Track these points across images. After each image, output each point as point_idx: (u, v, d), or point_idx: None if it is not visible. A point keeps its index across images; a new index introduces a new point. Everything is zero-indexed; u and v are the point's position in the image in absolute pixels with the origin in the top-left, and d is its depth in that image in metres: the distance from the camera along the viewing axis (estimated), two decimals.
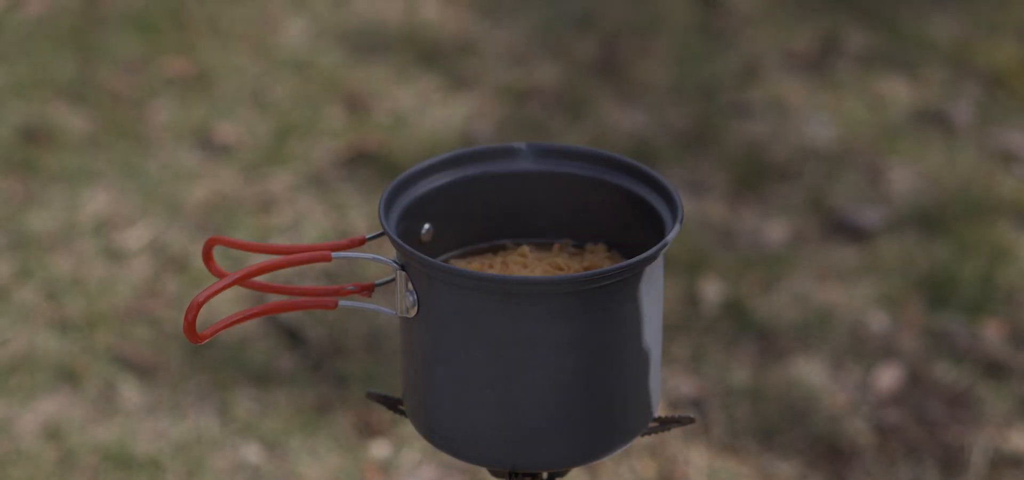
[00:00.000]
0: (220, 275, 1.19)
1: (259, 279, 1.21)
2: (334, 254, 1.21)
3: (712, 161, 3.01)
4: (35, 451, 2.27)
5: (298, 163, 3.01)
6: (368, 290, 1.22)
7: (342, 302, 1.22)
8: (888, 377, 2.42)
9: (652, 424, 1.27)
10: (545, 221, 1.35)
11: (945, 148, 3.05)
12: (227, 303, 2.48)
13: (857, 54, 3.40)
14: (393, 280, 1.19)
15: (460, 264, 1.31)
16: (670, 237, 1.20)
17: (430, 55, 3.42)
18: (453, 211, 1.33)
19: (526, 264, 1.30)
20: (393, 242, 1.18)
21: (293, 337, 2.50)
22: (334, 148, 3.06)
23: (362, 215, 2.84)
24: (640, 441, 2.23)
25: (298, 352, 2.48)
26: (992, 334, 2.51)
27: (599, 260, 1.32)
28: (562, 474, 1.26)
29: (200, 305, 1.13)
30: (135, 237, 2.76)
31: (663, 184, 1.28)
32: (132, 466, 2.25)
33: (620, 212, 1.31)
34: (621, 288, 1.17)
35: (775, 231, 2.79)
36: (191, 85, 3.30)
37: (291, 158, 3.02)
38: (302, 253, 1.22)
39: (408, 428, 2.30)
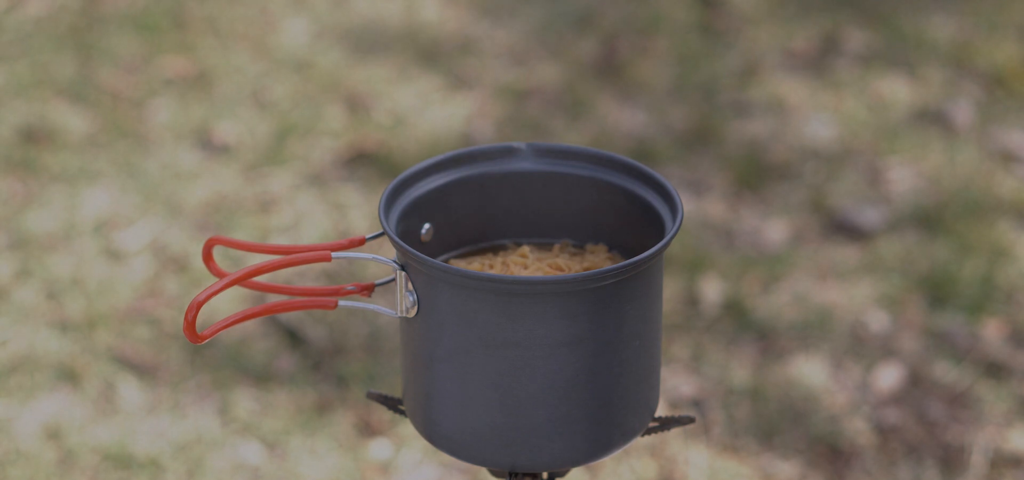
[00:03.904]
0: (220, 275, 1.19)
1: (259, 279, 1.21)
2: (334, 254, 1.21)
3: (712, 161, 3.01)
4: (35, 451, 2.27)
5: (298, 163, 3.01)
6: (368, 290, 1.22)
7: (342, 302, 1.21)
8: (888, 377, 2.42)
9: (652, 424, 1.27)
10: (545, 221, 1.35)
11: (945, 148, 3.05)
12: (227, 303, 2.48)
13: (857, 54, 3.40)
14: (393, 280, 1.19)
15: (460, 264, 1.31)
16: (670, 237, 1.20)
17: (430, 55, 3.42)
18: (453, 211, 1.32)
19: (526, 264, 1.30)
20: (393, 242, 1.18)
21: (293, 337, 2.50)
22: (334, 148, 3.06)
23: (362, 215, 2.84)
24: (640, 441, 2.23)
25: (298, 352, 2.48)
26: (992, 334, 2.51)
27: (599, 260, 1.32)
28: (562, 474, 1.26)
29: (200, 305, 1.13)
30: (135, 237, 2.76)
31: (663, 184, 1.27)
32: (132, 466, 2.25)
33: (620, 212, 1.31)
34: (621, 288, 1.17)
35: (775, 231, 2.79)
36: (191, 85, 3.30)
37: (291, 158, 3.02)
38: (302, 253, 1.22)
39: (408, 428, 2.29)
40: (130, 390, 2.39)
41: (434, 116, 3.19)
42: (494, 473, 1.25)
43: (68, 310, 2.56)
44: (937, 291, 2.60)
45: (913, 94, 3.24)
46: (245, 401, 2.37)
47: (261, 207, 2.87)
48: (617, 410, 1.20)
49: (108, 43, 3.45)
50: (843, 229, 2.79)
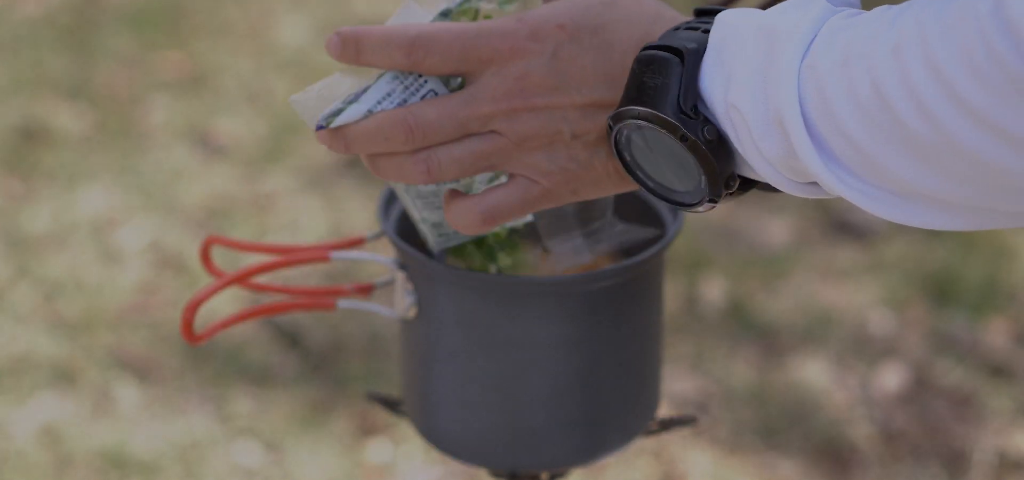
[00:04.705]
0: (218, 275, 1.18)
1: (257, 279, 1.20)
2: (333, 254, 1.20)
3: None
4: (32, 453, 2.26)
5: (297, 162, 3.00)
6: (367, 290, 1.21)
7: (341, 303, 1.20)
8: (891, 378, 2.42)
9: (653, 424, 1.26)
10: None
11: None
12: (225, 303, 2.47)
13: None
14: (392, 280, 1.18)
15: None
16: (671, 237, 1.19)
17: None
18: None
19: None
20: (392, 242, 1.17)
21: (292, 338, 2.49)
22: None
23: (361, 215, 2.83)
24: (641, 441, 2.22)
25: (297, 353, 2.47)
26: (996, 335, 2.51)
27: (599, 260, 1.31)
28: (562, 474, 1.25)
29: (197, 305, 1.12)
30: (132, 237, 2.75)
31: None
32: (129, 467, 2.24)
33: (620, 212, 1.30)
34: (621, 288, 1.16)
35: (777, 231, 2.78)
36: (188, 83, 3.29)
37: (289, 157, 3.01)
38: (300, 253, 1.20)
39: (408, 428, 2.29)
40: (127, 391, 2.38)
41: None
42: (494, 473, 1.24)
43: (65, 310, 2.55)
44: (940, 291, 2.60)
45: None
46: (243, 402, 2.36)
47: (259, 206, 2.86)
48: (618, 410, 1.19)
49: (105, 41, 3.44)
50: (845, 229, 2.78)
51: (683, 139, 0.84)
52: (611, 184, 0.91)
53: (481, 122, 0.89)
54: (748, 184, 0.88)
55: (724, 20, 0.84)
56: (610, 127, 0.87)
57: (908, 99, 0.74)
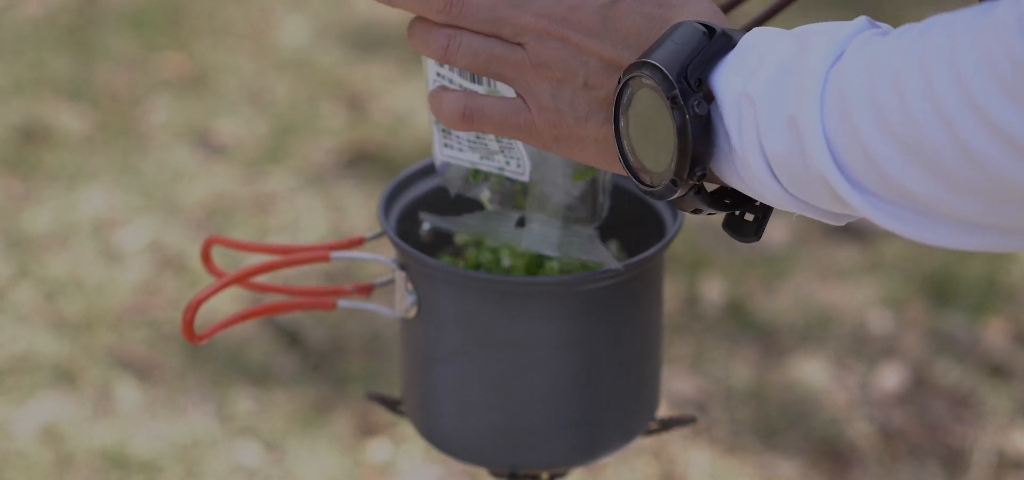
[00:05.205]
0: (218, 275, 1.18)
1: (257, 279, 1.20)
2: (333, 254, 1.20)
3: None
4: (32, 452, 2.26)
5: (297, 162, 3.00)
6: (367, 290, 1.21)
7: (341, 302, 1.20)
8: (890, 377, 2.42)
9: (653, 424, 1.26)
10: None
11: None
12: (225, 303, 2.47)
13: None
14: (392, 280, 1.18)
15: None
16: (670, 237, 1.19)
17: None
18: (453, 211, 1.31)
19: None
20: (392, 242, 1.17)
21: (292, 338, 2.49)
22: (333, 147, 3.05)
23: (362, 215, 2.83)
24: (641, 441, 2.22)
25: (297, 352, 2.47)
26: (994, 334, 2.51)
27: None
28: (562, 474, 1.25)
29: (198, 305, 1.12)
30: (133, 237, 2.76)
31: None
32: (130, 467, 2.24)
33: (620, 212, 1.30)
34: (621, 288, 1.16)
35: (776, 230, 2.78)
36: (189, 84, 3.29)
37: (290, 157, 3.01)
38: (301, 253, 1.21)
39: (408, 428, 2.29)
40: (128, 390, 2.38)
41: None
42: (494, 473, 1.24)
43: (66, 310, 2.55)
44: (939, 291, 2.60)
45: None
46: (244, 401, 2.36)
47: (260, 207, 2.86)
48: (618, 410, 1.19)
49: (106, 42, 3.44)
50: (845, 229, 2.78)
51: (672, 102, 0.83)
52: (593, 151, 0.92)
53: (514, 30, 0.91)
54: (717, 203, 0.88)
55: (764, 27, 0.87)
56: (619, 80, 0.87)
57: (929, 107, 0.73)
